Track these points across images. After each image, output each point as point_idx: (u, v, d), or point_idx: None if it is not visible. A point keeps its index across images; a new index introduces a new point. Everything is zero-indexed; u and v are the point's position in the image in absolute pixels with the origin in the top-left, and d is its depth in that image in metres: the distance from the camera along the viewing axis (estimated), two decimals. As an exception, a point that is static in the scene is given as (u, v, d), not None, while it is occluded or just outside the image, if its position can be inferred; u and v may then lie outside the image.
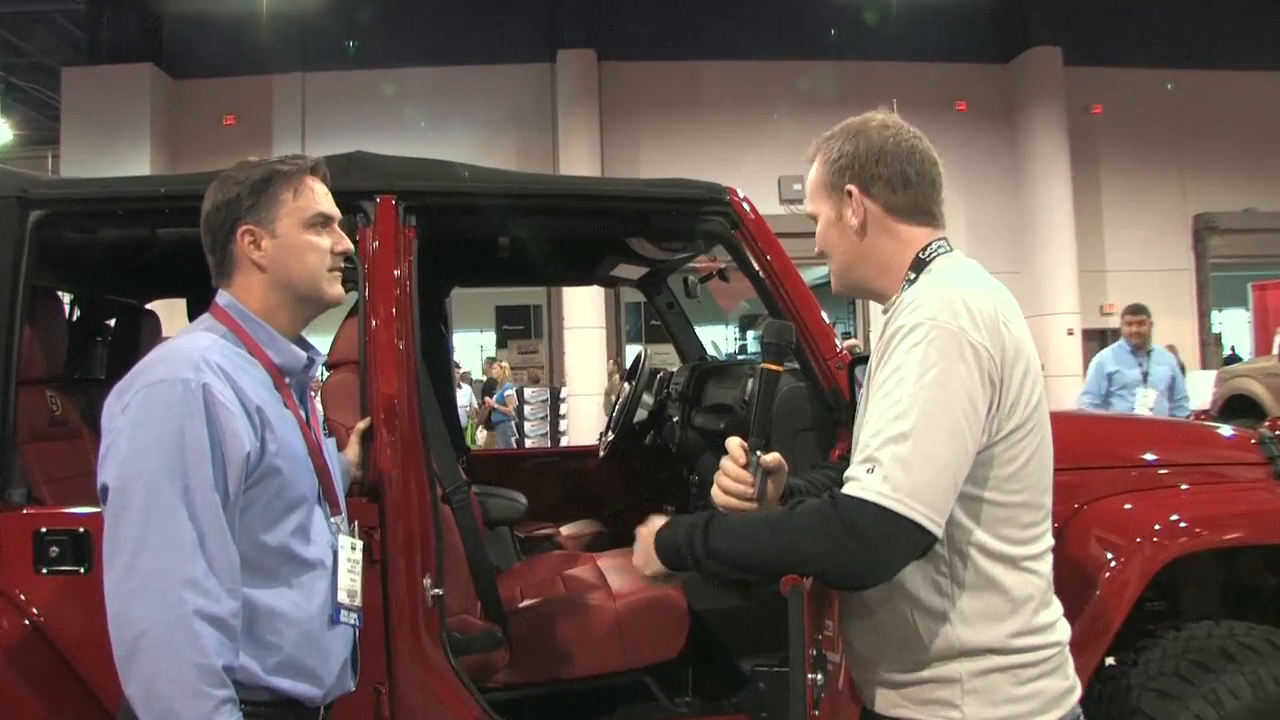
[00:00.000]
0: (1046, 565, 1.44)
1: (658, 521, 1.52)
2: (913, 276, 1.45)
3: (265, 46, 13.57)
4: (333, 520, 1.68)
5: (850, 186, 1.48)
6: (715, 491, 1.49)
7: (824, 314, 2.57)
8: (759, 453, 1.47)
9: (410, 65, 13.90)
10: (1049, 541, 1.45)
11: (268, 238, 1.58)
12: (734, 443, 1.50)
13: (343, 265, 1.66)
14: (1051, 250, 14.05)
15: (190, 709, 1.35)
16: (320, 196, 1.64)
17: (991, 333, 1.32)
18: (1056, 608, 1.46)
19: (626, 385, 3.99)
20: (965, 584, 1.38)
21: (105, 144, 12.84)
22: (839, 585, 1.37)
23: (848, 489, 1.31)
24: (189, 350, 1.48)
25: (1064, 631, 1.46)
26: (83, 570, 2.05)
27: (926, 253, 1.47)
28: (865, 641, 1.48)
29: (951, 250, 1.48)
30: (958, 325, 1.31)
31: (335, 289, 1.65)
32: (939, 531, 1.29)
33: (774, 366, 1.54)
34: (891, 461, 1.28)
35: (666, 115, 14.00)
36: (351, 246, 1.69)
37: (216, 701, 1.36)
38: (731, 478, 1.48)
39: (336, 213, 1.67)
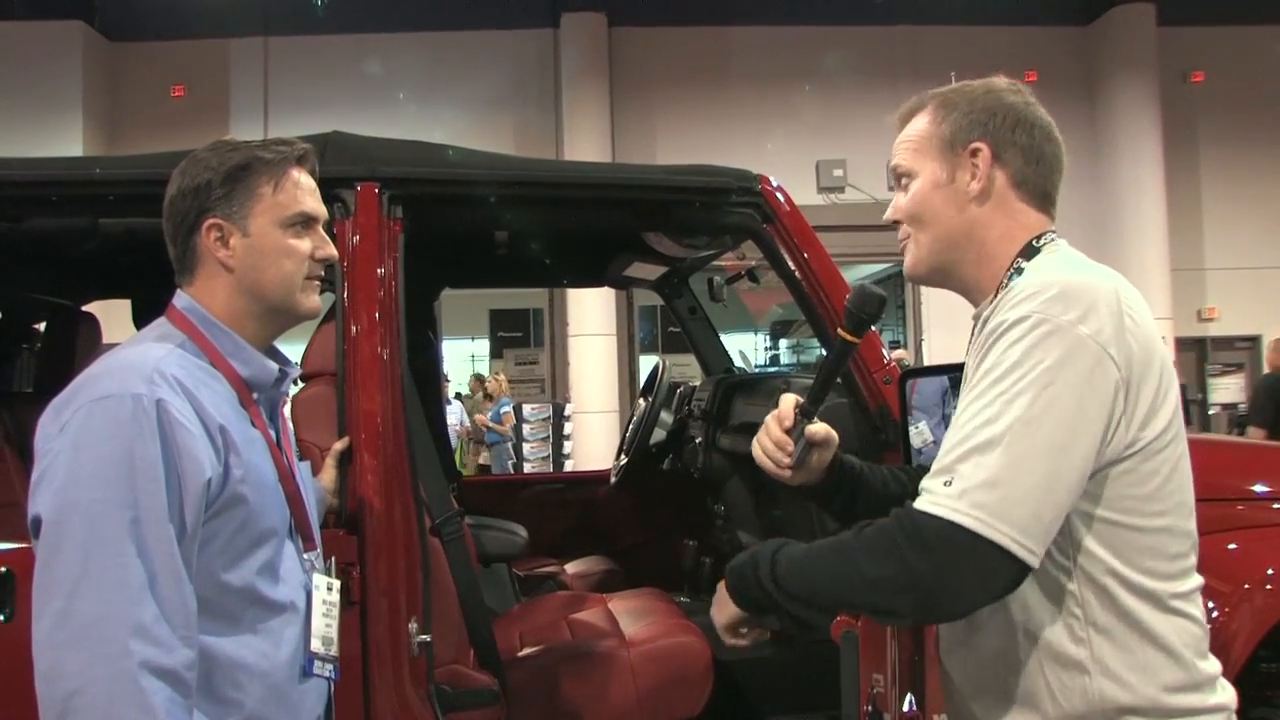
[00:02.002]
0: (1198, 607, 1.39)
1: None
2: (1022, 265, 1.45)
3: (220, 5, 13.61)
4: (306, 556, 1.69)
5: (980, 144, 1.48)
6: (754, 449, 1.61)
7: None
8: (806, 421, 1.57)
9: (390, 30, 13.94)
10: (1198, 579, 1.40)
11: (238, 235, 1.59)
12: (788, 400, 1.59)
13: (321, 274, 1.67)
14: (1139, 245, 13.93)
15: None
16: (305, 192, 1.65)
17: (1115, 328, 1.30)
18: (1215, 663, 1.41)
19: (641, 401, 4.03)
20: (1104, 628, 1.34)
21: (27, 116, 12.73)
22: (910, 619, 1.35)
23: (918, 502, 1.30)
24: (140, 361, 1.48)
25: (1228, 693, 1.40)
26: (2, 618, 2.05)
27: (1040, 241, 1.47)
28: (982, 700, 1.45)
29: (1060, 240, 1.49)
30: (1070, 318, 1.29)
31: (311, 300, 1.66)
32: (1031, 560, 1.25)
33: (851, 337, 1.61)
34: (974, 473, 1.26)
35: (687, 90, 13.99)
36: (335, 253, 1.71)
37: None
38: (772, 440, 1.58)
39: (322, 212, 1.69)
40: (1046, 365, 1.27)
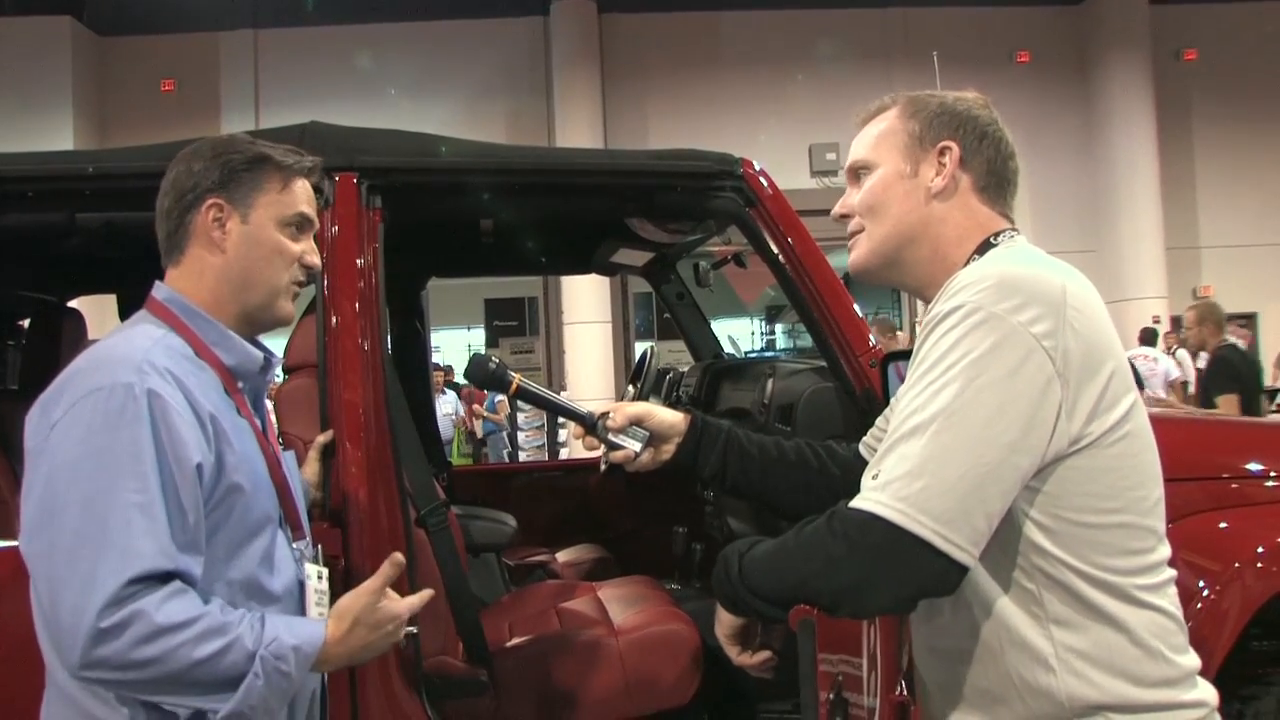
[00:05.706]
0: (1169, 600, 1.34)
1: None
2: (976, 259, 1.42)
3: (209, -1, 13.60)
4: (295, 546, 1.69)
5: (950, 143, 1.45)
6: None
7: (856, 306, 2.59)
8: (594, 437, 1.81)
9: (379, 21, 13.92)
10: (1169, 572, 1.36)
11: (236, 220, 1.60)
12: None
13: (304, 279, 1.68)
14: (1133, 224, 13.96)
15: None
16: (306, 199, 1.68)
17: (1054, 321, 1.26)
18: (1194, 658, 1.36)
19: (630, 388, 4.03)
20: (1065, 622, 1.30)
21: (17, 111, 12.77)
22: (843, 613, 1.33)
23: (853, 500, 1.28)
24: (128, 352, 1.48)
25: (1208, 690, 1.36)
26: None
27: (998, 237, 1.44)
28: (953, 702, 1.42)
29: (1019, 236, 1.46)
30: (1004, 308, 1.25)
31: (289, 306, 1.68)
32: (959, 555, 1.22)
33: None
34: (896, 465, 1.24)
35: (679, 75, 13.99)
36: (320, 263, 1.72)
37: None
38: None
39: (316, 222, 1.71)
40: (976, 356, 1.24)
